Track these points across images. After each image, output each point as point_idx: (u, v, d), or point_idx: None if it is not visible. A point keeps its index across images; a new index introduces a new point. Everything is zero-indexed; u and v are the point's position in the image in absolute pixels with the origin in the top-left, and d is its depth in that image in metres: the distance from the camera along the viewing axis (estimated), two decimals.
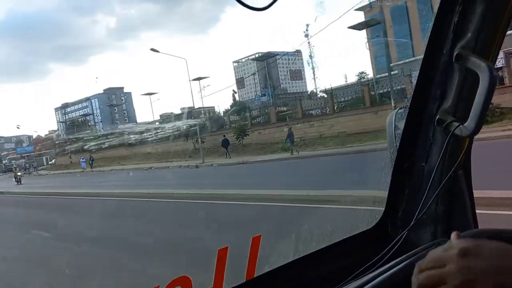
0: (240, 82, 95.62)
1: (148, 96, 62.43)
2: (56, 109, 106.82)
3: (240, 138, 34.85)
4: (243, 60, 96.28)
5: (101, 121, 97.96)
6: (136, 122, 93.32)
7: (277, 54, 74.58)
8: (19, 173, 33.49)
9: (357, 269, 1.14)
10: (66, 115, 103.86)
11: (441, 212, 1.26)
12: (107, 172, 34.41)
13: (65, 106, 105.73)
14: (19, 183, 31.11)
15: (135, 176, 26.08)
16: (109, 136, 49.02)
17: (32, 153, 67.87)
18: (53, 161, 57.23)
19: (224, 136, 33.92)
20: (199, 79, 55.22)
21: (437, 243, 1.07)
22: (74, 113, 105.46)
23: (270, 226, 6.27)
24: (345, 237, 1.31)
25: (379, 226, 1.30)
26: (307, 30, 68.79)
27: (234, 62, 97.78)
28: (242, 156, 29.05)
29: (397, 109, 1.35)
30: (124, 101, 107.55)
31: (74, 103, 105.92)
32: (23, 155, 66.23)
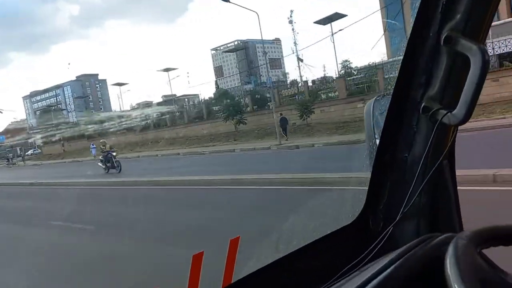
0: (218, 71, 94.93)
1: (118, 86, 61.12)
2: (25, 98, 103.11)
3: (305, 117, 30.42)
4: (221, 47, 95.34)
5: (74, 110, 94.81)
6: (111, 110, 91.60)
7: (258, 42, 74.21)
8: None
9: (340, 268, 1.06)
10: (35, 104, 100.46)
11: (425, 206, 1.19)
12: (134, 159, 28.98)
13: (33, 94, 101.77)
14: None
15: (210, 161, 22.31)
16: (111, 121, 45.61)
17: (2, 144, 65.21)
18: (37, 150, 54.74)
19: (281, 114, 28.71)
20: (167, 70, 54.83)
21: (426, 239, 0.99)
22: (44, 101, 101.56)
23: None
24: (324, 234, 1.22)
25: (359, 221, 1.22)
26: (291, 16, 68.23)
27: (212, 50, 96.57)
28: (310, 138, 24.54)
29: (375, 96, 1.26)
30: (98, 88, 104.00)
31: (44, 91, 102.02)
32: None
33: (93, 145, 36.14)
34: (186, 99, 69.00)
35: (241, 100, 43.20)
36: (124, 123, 43.25)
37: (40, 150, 54.60)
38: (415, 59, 1.12)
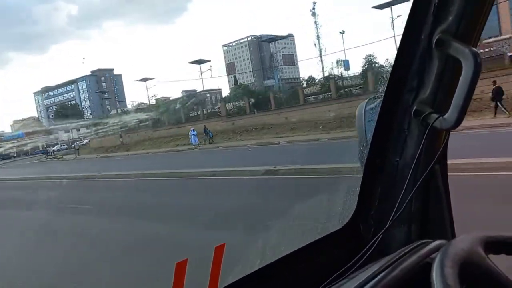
0: (230, 67, 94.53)
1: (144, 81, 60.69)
2: (36, 94, 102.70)
3: None
4: (233, 43, 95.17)
5: (89, 106, 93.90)
6: (126, 106, 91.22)
7: (272, 38, 73.33)
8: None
9: (330, 275, 1.05)
10: (47, 100, 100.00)
11: (416, 211, 1.17)
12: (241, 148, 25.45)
13: (45, 90, 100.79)
14: None
15: None
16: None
17: (22, 139, 65.64)
18: (83, 142, 51.09)
19: None
20: (199, 62, 54.15)
21: (417, 246, 0.97)
22: (57, 97, 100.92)
23: None
24: (315, 239, 1.21)
25: (350, 226, 1.21)
26: (313, 8, 66.17)
27: (224, 46, 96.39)
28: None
29: (367, 99, 1.24)
30: (114, 84, 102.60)
31: (57, 87, 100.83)
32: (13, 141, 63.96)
33: (193, 130, 31.48)
34: (208, 94, 68.39)
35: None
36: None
37: (85, 142, 51.42)
38: (406, 61, 1.10)
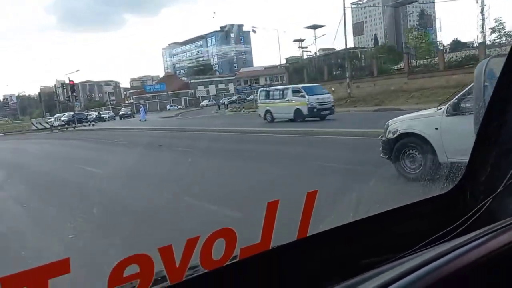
0: (357, 27, 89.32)
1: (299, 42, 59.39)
2: (164, 49, 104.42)
3: None
4: (363, 1, 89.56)
5: (216, 63, 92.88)
6: (252, 64, 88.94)
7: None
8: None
9: (426, 238, 1.02)
10: (175, 57, 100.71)
11: None
12: None
13: (173, 46, 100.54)
14: None
15: None
16: None
17: (164, 92, 65.07)
18: (232, 98, 48.43)
19: None
20: (314, 27, 52.60)
21: None
22: (185, 53, 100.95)
23: None
24: (415, 201, 1.17)
25: (455, 192, 1.14)
26: None
27: (352, 4, 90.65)
28: None
29: (489, 57, 1.12)
30: (242, 40, 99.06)
31: (184, 43, 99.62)
32: (154, 94, 65.02)
33: None
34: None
35: None
36: None
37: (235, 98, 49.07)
38: None
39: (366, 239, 1.07)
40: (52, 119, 37.65)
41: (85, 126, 33.58)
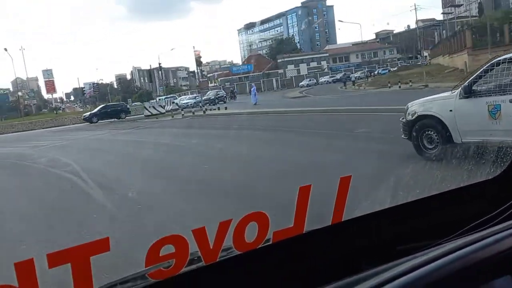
0: None
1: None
2: (239, 30, 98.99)
3: None
4: None
5: (297, 42, 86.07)
6: (336, 42, 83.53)
7: None
8: None
9: (471, 222, 0.98)
10: (251, 36, 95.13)
11: None
12: None
13: (250, 26, 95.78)
14: None
15: None
16: None
17: (252, 73, 62.13)
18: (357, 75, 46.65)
19: None
20: None
21: None
22: (262, 33, 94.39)
23: None
24: (461, 185, 1.13)
25: (503, 177, 1.08)
26: None
27: None
28: None
29: None
30: (325, 16, 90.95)
31: (261, 23, 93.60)
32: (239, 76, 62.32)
33: None
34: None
35: None
36: None
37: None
38: None
39: (403, 225, 1.05)
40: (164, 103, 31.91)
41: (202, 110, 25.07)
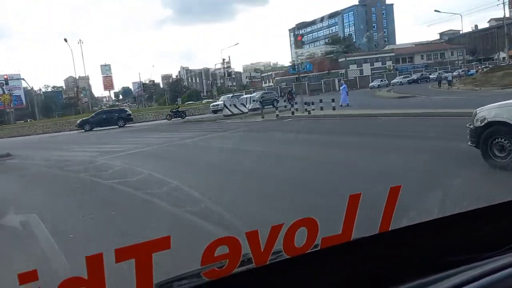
0: None
1: None
2: (290, 30, 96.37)
3: None
4: None
5: (354, 42, 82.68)
6: (395, 42, 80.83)
7: None
8: None
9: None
10: (305, 37, 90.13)
11: None
12: None
13: (301, 26, 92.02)
14: None
15: None
16: None
17: (312, 73, 59.86)
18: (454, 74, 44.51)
19: None
20: None
21: None
22: (315, 33, 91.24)
23: None
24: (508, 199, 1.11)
25: None
26: None
27: None
28: None
29: None
30: (384, 15, 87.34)
31: (312, 23, 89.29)
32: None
33: None
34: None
35: None
36: None
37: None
38: None
39: (452, 238, 1.05)
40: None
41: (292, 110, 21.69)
